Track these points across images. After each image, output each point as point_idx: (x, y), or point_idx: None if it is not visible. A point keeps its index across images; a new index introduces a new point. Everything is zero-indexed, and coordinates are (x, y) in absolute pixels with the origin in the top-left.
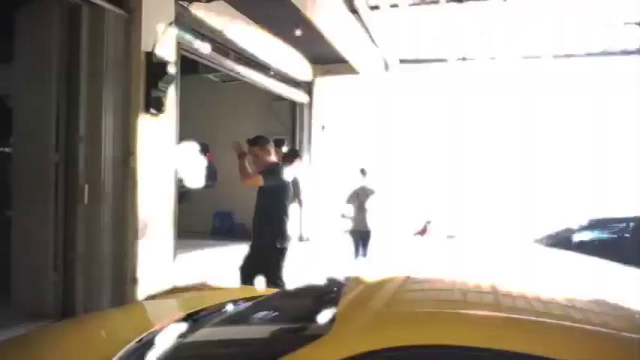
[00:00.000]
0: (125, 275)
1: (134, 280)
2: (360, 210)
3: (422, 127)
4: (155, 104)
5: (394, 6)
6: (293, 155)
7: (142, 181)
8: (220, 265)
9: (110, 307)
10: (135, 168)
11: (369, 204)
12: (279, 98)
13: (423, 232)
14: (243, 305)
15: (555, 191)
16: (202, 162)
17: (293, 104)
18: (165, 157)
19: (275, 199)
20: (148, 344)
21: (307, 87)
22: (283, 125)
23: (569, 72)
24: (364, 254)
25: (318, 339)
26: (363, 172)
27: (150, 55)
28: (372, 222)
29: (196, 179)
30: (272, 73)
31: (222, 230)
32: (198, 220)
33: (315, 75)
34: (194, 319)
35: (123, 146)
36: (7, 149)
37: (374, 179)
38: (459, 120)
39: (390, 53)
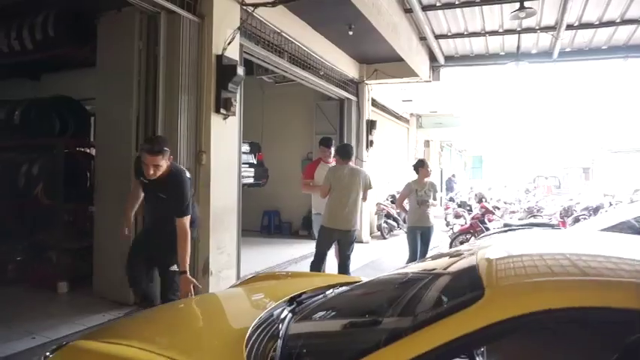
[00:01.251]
0: (197, 266)
1: (206, 271)
2: (421, 205)
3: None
4: (225, 105)
5: (447, 5)
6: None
7: (213, 178)
8: (276, 259)
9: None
10: (207, 165)
11: (430, 198)
12: (328, 98)
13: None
14: (374, 282)
15: None
16: (254, 161)
17: (341, 103)
18: (232, 155)
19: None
20: (274, 319)
21: (355, 86)
22: (330, 124)
23: None
24: (425, 252)
25: (472, 305)
26: (423, 164)
27: (220, 57)
28: (433, 218)
29: (250, 178)
30: (322, 73)
31: (270, 228)
32: (248, 218)
33: (362, 74)
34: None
35: (196, 145)
36: (88, 150)
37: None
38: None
39: (439, 51)
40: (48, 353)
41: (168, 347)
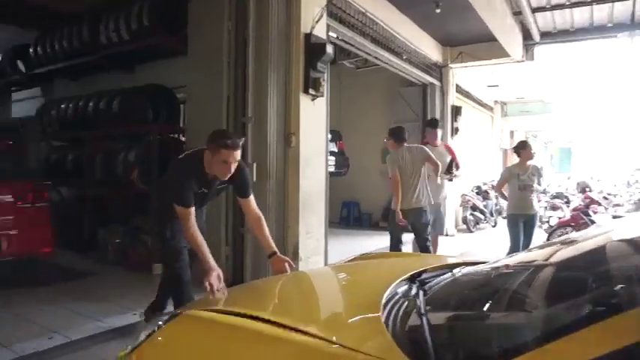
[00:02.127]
0: (287, 250)
1: (295, 256)
2: (523, 190)
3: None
4: (314, 85)
5: None
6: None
7: (302, 161)
8: (360, 249)
9: None
10: (297, 147)
11: (534, 183)
12: (409, 84)
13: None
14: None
15: None
16: (336, 149)
17: (424, 89)
18: (320, 138)
19: None
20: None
21: (438, 71)
22: (412, 110)
23: None
24: (528, 243)
25: None
26: (525, 145)
27: (308, 36)
28: (537, 204)
29: (331, 166)
30: (405, 57)
31: (350, 219)
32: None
33: (446, 58)
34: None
35: (285, 126)
36: (178, 136)
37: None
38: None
39: (535, 26)
40: (161, 323)
41: (301, 320)
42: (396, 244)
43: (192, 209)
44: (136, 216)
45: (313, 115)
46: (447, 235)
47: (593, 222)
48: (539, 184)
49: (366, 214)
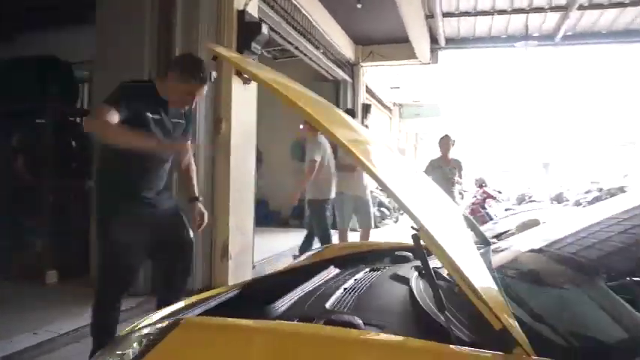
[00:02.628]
0: (215, 247)
1: (225, 252)
2: (446, 184)
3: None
4: None
5: None
6: None
7: (234, 149)
8: (279, 246)
9: (205, 281)
10: (227, 134)
11: (455, 176)
12: (323, 79)
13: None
14: None
15: None
16: None
17: (337, 85)
18: (251, 125)
19: None
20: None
21: (350, 68)
22: None
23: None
24: None
25: None
26: (446, 139)
27: (242, 14)
28: (459, 197)
29: None
30: (322, 50)
31: (258, 218)
32: None
33: (358, 56)
34: None
35: (214, 111)
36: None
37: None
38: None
39: (442, 32)
40: (147, 332)
41: None
42: (309, 241)
43: (115, 115)
44: (21, 213)
45: (244, 100)
46: (352, 230)
47: (489, 215)
48: (460, 177)
49: (274, 212)
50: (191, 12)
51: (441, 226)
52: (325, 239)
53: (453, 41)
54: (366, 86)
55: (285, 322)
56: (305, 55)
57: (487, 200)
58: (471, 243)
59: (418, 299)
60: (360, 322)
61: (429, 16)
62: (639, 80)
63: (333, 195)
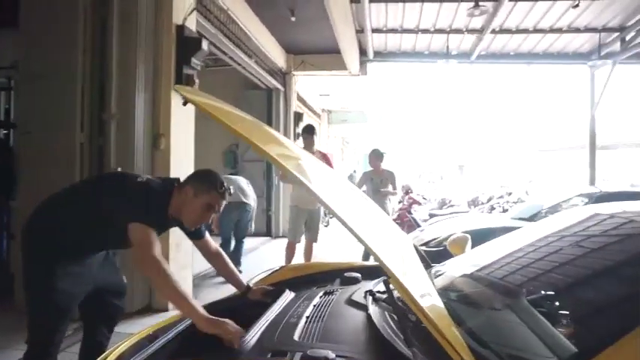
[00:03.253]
0: None
1: None
2: (376, 194)
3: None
4: (187, 82)
5: None
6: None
7: (173, 165)
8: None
9: (144, 301)
10: (167, 150)
11: (386, 188)
12: (254, 87)
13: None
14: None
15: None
16: None
17: (269, 94)
18: (190, 140)
19: None
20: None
21: (282, 77)
22: (257, 114)
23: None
24: None
25: None
26: (378, 154)
27: (181, 28)
28: (390, 207)
29: None
30: (254, 60)
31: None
32: None
33: (290, 65)
34: None
35: (153, 127)
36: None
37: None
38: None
39: (371, 45)
40: None
41: None
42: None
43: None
44: None
45: (184, 116)
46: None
47: (415, 220)
48: (394, 188)
49: (211, 222)
50: (128, 25)
51: (402, 267)
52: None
53: (381, 54)
54: (298, 94)
55: None
56: (239, 64)
57: (413, 205)
58: (424, 273)
59: (381, 331)
60: (333, 356)
61: (359, 30)
62: (542, 95)
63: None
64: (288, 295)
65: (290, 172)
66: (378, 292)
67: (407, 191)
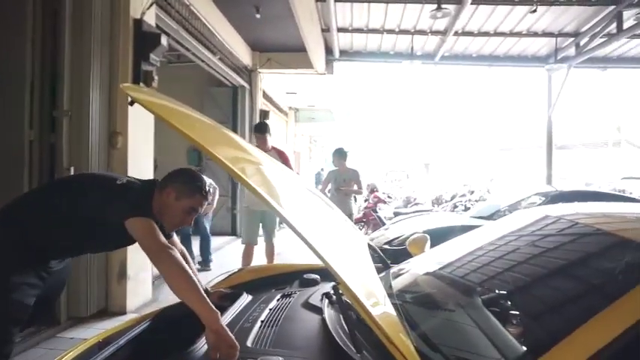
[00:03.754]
0: (111, 268)
1: (123, 274)
2: (339, 192)
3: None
4: (145, 79)
5: None
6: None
7: (131, 164)
8: None
9: (100, 304)
10: (124, 149)
11: (350, 186)
12: (219, 84)
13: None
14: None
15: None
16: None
17: (234, 91)
18: (149, 138)
19: None
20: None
21: (248, 74)
22: (222, 112)
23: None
24: None
25: None
26: (341, 153)
27: (139, 22)
28: (353, 205)
29: None
30: (218, 56)
31: None
32: None
33: (255, 63)
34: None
35: (109, 125)
36: None
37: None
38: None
39: (337, 44)
40: None
41: None
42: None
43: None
44: None
45: (142, 113)
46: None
47: (380, 218)
48: (359, 187)
49: None
50: (81, 17)
51: (353, 272)
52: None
53: (347, 54)
54: (264, 92)
55: None
56: (202, 60)
57: (378, 204)
58: (376, 278)
59: (334, 335)
60: None
61: (325, 29)
62: (503, 96)
63: None
64: (245, 299)
65: (238, 176)
66: (334, 294)
67: (372, 190)
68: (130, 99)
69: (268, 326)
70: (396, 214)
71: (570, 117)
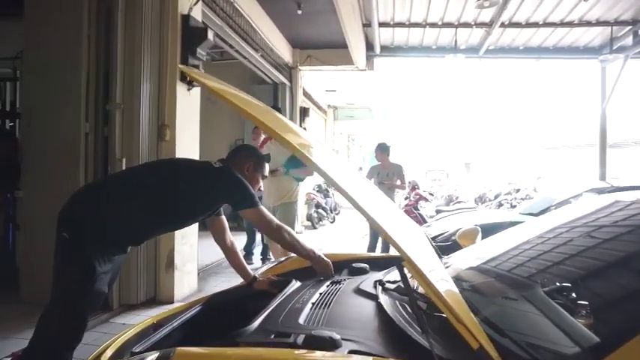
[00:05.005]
0: (160, 258)
1: (171, 263)
2: (381, 187)
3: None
4: None
5: None
6: None
7: (178, 157)
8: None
9: (149, 293)
10: (172, 142)
11: (391, 180)
12: (261, 82)
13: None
14: None
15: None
16: None
17: (275, 88)
18: (195, 132)
19: None
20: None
21: (289, 71)
22: None
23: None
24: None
25: None
26: (384, 147)
27: (186, 18)
28: (396, 199)
29: None
30: (260, 54)
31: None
32: None
33: (296, 60)
34: None
35: (158, 118)
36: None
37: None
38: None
39: (378, 40)
40: None
41: None
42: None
43: None
44: None
45: (189, 107)
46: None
47: (422, 216)
48: (402, 182)
49: None
50: (133, 14)
51: (417, 253)
52: None
53: (388, 49)
54: (304, 89)
55: (276, 349)
56: (244, 57)
57: (419, 202)
58: (438, 261)
59: (392, 318)
60: (338, 337)
61: (366, 24)
62: (549, 92)
63: None
64: (294, 285)
65: (312, 161)
66: (388, 282)
67: (413, 187)
68: (188, 82)
69: (319, 308)
70: (438, 211)
71: (623, 114)
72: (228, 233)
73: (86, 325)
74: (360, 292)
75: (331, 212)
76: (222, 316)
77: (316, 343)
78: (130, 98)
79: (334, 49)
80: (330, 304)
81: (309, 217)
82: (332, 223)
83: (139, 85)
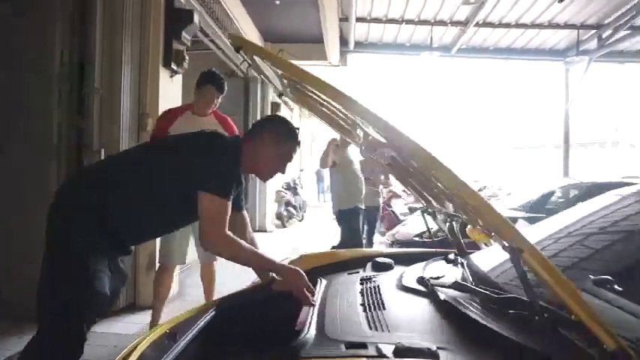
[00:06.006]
0: (139, 258)
1: (152, 264)
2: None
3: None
4: (176, 58)
5: None
6: None
7: None
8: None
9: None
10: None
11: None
12: (232, 75)
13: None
14: None
15: None
16: None
17: (246, 82)
18: None
19: None
20: None
21: None
22: (233, 103)
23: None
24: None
25: None
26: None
27: None
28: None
29: None
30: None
31: None
32: None
33: None
34: None
35: (139, 106)
36: None
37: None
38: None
39: (353, 35)
40: None
41: None
42: None
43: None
44: None
45: (171, 94)
46: (264, 231)
47: (395, 213)
48: (386, 177)
49: None
50: None
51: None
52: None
53: (362, 45)
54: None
55: None
56: (219, 48)
57: (392, 199)
58: None
59: (479, 320)
60: (434, 348)
61: (343, 19)
62: (517, 93)
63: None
64: (322, 284)
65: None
66: (437, 277)
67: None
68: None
69: (372, 310)
70: (411, 209)
71: (585, 115)
72: (249, 230)
73: (84, 342)
74: (406, 289)
75: (300, 210)
76: (241, 322)
77: (409, 355)
78: (109, 84)
79: (307, 44)
80: (380, 305)
81: (279, 216)
82: (300, 221)
83: (119, 70)
